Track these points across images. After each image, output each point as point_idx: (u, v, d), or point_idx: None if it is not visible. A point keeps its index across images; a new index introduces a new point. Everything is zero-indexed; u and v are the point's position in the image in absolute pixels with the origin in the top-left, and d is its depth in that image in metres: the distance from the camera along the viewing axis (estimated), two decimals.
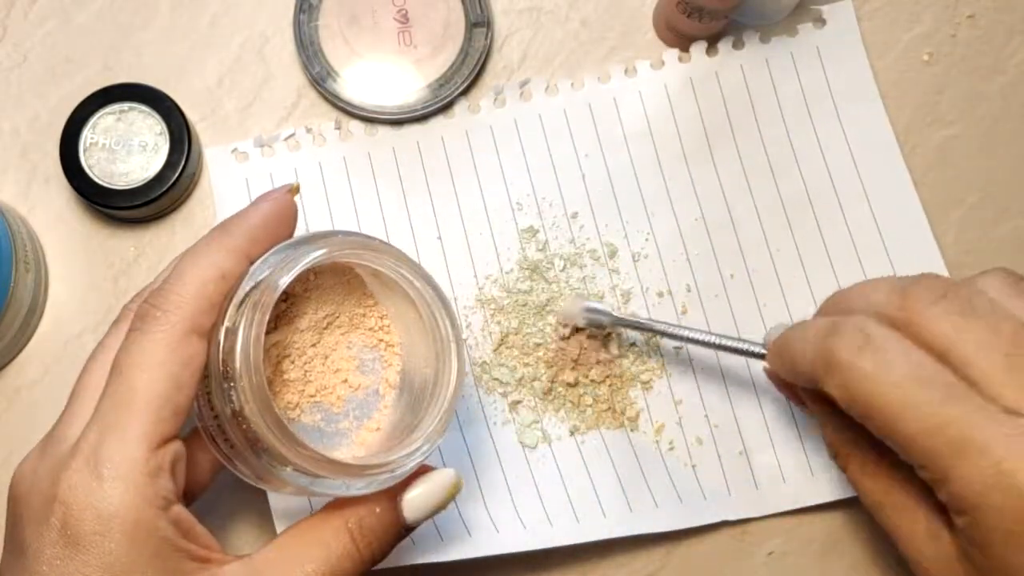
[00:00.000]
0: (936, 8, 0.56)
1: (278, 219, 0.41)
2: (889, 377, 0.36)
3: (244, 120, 0.54)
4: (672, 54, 0.55)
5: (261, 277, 0.38)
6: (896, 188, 0.53)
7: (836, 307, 0.42)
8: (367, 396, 0.44)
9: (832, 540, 0.51)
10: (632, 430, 0.51)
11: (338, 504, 0.40)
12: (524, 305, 0.51)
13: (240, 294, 0.38)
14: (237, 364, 0.37)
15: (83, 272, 0.52)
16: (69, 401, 0.39)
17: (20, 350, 0.51)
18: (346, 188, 0.52)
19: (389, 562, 0.47)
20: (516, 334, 0.51)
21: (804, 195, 0.53)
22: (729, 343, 0.47)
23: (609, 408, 0.51)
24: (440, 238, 0.52)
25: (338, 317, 0.44)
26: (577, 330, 0.51)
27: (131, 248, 0.52)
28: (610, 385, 0.51)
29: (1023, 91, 0.55)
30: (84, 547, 0.35)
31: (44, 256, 0.52)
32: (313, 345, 0.43)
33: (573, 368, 0.51)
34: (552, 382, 0.51)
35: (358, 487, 0.39)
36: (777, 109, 0.54)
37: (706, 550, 0.51)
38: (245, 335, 0.37)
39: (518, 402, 0.51)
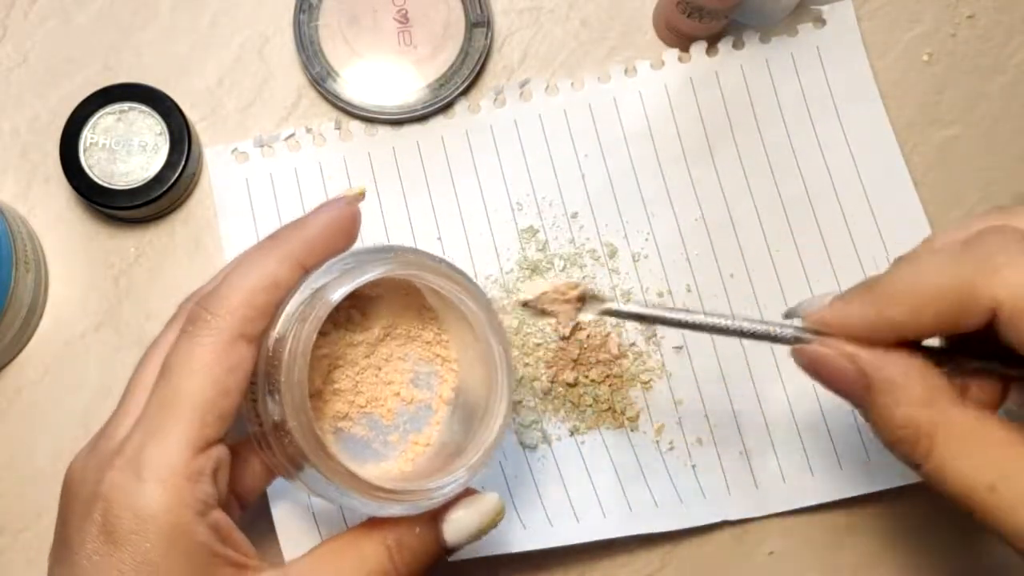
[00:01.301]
0: (936, 8, 0.56)
1: (338, 230, 0.40)
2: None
3: (244, 120, 0.54)
4: (672, 54, 0.55)
5: (316, 286, 0.38)
6: (896, 188, 0.53)
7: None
8: (419, 410, 0.43)
9: (832, 540, 0.51)
10: (632, 430, 0.51)
11: (378, 521, 0.39)
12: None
13: (293, 304, 0.38)
14: (282, 377, 0.37)
15: (83, 272, 0.52)
16: (123, 397, 0.39)
17: (20, 350, 0.51)
18: (345, 188, 0.52)
19: None
20: (516, 334, 0.51)
21: (804, 195, 0.53)
22: (758, 327, 0.39)
23: (609, 408, 0.51)
24: (440, 238, 0.52)
25: (395, 329, 0.43)
26: (573, 331, 0.51)
27: (131, 248, 0.52)
28: (610, 385, 0.51)
29: (1023, 91, 0.55)
30: (121, 545, 0.35)
31: (44, 256, 0.52)
32: (367, 356, 0.43)
33: (573, 368, 0.51)
34: (552, 382, 0.51)
35: (396, 509, 0.38)
36: (777, 109, 0.54)
37: (706, 550, 0.51)
38: (292, 347, 0.37)
39: (518, 402, 0.51)
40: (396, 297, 0.43)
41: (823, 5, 0.55)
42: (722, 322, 0.39)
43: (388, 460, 0.43)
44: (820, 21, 0.55)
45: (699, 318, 0.39)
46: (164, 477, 0.35)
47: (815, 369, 0.38)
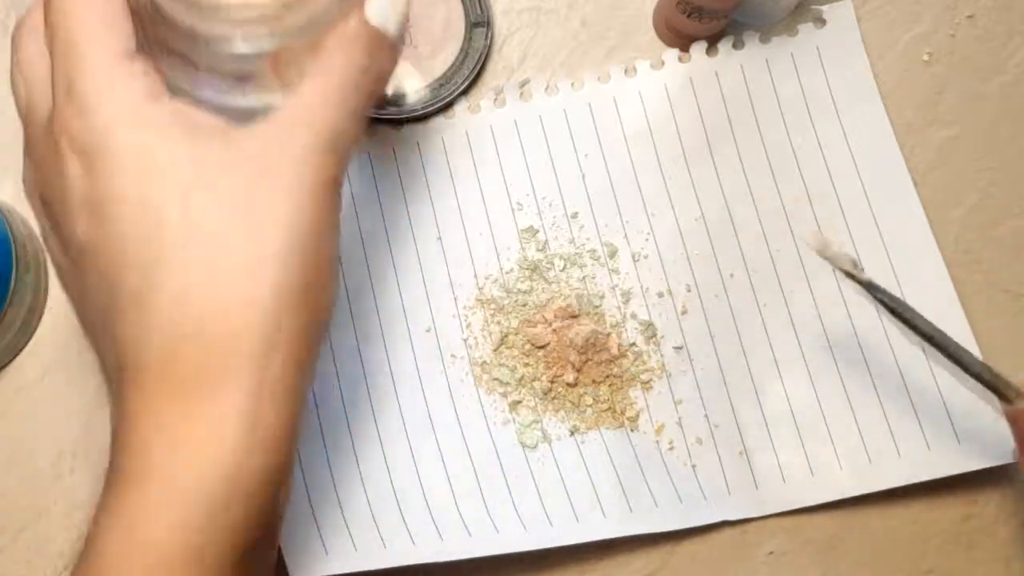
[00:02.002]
0: (936, 8, 0.56)
1: None
2: None
3: None
4: (672, 54, 0.55)
5: None
6: (896, 188, 0.53)
7: None
8: None
9: (832, 540, 0.51)
10: (632, 430, 0.51)
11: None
12: (524, 305, 0.51)
13: None
14: None
15: None
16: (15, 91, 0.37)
17: (20, 350, 0.51)
18: (346, 188, 0.52)
19: (390, 563, 0.47)
20: (516, 334, 0.51)
21: (804, 195, 0.53)
22: (984, 373, 0.44)
23: (609, 408, 0.51)
24: (440, 238, 0.52)
25: None
26: (573, 331, 0.51)
27: None
28: (610, 385, 0.51)
29: (1023, 91, 0.55)
30: (108, 200, 0.33)
31: (44, 256, 0.52)
32: None
33: (573, 368, 0.51)
34: (552, 382, 0.51)
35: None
36: (777, 109, 0.54)
37: (706, 550, 0.51)
38: None
39: (518, 402, 0.51)
40: None
41: (823, 5, 0.55)
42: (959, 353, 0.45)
43: None
44: (820, 21, 0.55)
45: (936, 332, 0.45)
46: (102, 94, 0.34)
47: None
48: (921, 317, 0.45)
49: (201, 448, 0.33)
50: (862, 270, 0.45)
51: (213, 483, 0.32)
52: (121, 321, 0.34)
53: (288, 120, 0.35)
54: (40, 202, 0.37)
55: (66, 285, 0.38)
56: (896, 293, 0.52)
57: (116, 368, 0.34)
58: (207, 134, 0.34)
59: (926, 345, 0.51)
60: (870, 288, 0.45)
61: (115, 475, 0.34)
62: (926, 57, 0.56)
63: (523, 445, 0.50)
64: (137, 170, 0.34)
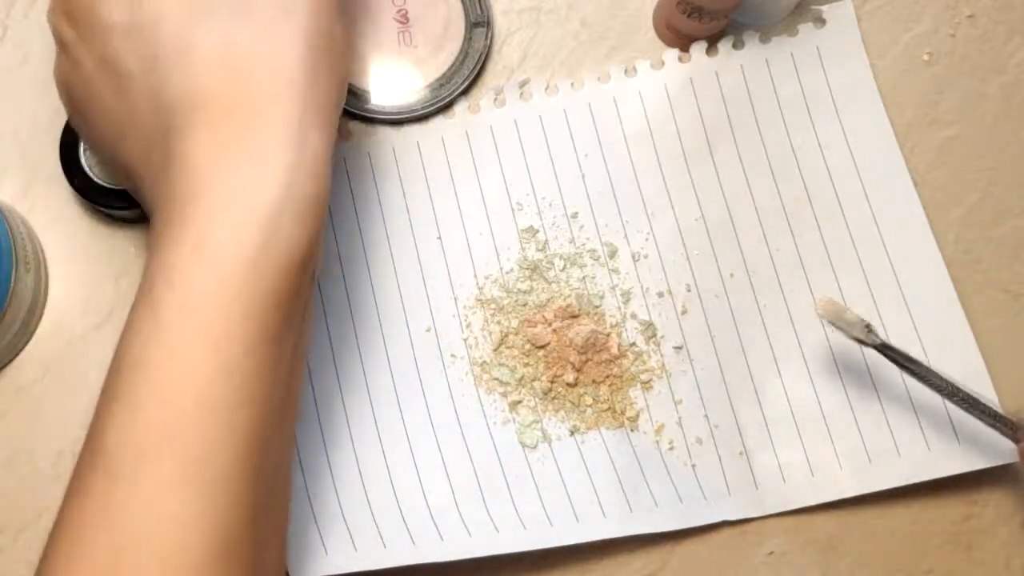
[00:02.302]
0: (936, 8, 0.56)
1: None
2: None
3: None
4: (672, 54, 0.55)
5: None
6: (896, 188, 0.53)
7: None
8: None
9: (832, 540, 0.51)
10: (632, 430, 0.51)
11: None
12: (524, 305, 0.51)
13: None
14: None
15: (83, 272, 0.52)
16: None
17: (20, 350, 0.51)
18: (346, 188, 0.52)
19: (390, 563, 0.47)
20: (516, 334, 0.51)
21: (804, 195, 0.53)
22: (985, 412, 0.48)
23: (609, 408, 0.51)
24: (440, 238, 0.52)
25: None
26: (572, 331, 0.51)
27: (131, 248, 0.52)
28: (610, 385, 0.51)
29: (1023, 91, 0.55)
30: None
31: (44, 256, 0.52)
32: None
33: (573, 368, 0.51)
34: (552, 382, 0.51)
35: None
36: (777, 109, 0.54)
37: (706, 550, 0.51)
38: None
39: (518, 402, 0.51)
40: None
41: (823, 5, 0.55)
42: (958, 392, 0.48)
43: None
44: (820, 21, 0.55)
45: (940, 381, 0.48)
46: None
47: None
48: (935, 373, 0.48)
49: (259, 165, 0.37)
50: (875, 334, 0.48)
51: (271, 198, 0.37)
52: (170, 74, 0.38)
53: None
54: (63, 16, 0.41)
55: (94, 85, 0.41)
56: (896, 293, 0.52)
57: (165, 122, 0.38)
58: None
59: (926, 346, 0.51)
60: (884, 350, 0.48)
61: (173, 203, 0.37)
62: (926, 57, 0.56)
63: (523, 445, 0.50)
64: None
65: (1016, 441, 0.48)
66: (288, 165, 0.37)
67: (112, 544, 0.34)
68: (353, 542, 0.48)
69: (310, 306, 0.41)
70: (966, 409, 0.48)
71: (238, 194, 0.37)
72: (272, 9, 0.39)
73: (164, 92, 0.38)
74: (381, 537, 0.48)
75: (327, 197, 0.39)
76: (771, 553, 0.51)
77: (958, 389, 0.48)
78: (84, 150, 0.50)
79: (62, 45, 0.42)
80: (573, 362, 0.51)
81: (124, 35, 0.39)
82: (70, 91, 0.42)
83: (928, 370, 0.48)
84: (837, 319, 0.48)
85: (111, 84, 0.40)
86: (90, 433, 0.37)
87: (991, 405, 0.48)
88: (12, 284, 0.47)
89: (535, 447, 0.50)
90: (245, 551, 0.36)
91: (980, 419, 0.48)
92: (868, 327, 0.48)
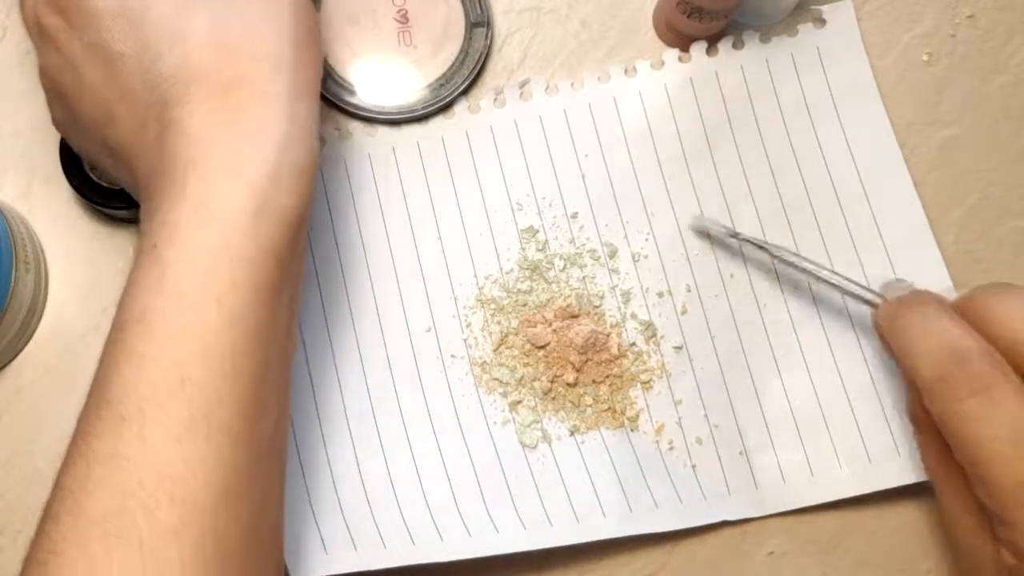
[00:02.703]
0: (936, 8, 0.56)
1: None
2: (991, 430, 0.40)
3: None
4: (672, 54, 0.55)
5: None
6: (896, 188, 0.53)
7: (976, 315, 0.43)
8: None
9: (832, 540, 0.51)
10: (632, 430, 0.51)
11: None
12: (524, 305, 0.51)
13: None
14: None
15: (83, 272, 0.52)
16: None
17: (20, 350, 0.51)
18: (346, 188, 0.52)
19: (390, 563, 0.47)
20: (516, 334, 0.51)
21: (804, 195, 0.53)
22: (841, 282, 0.49)
23: (609, 408, 0.51)
24: (440, 238, 0.52)
25: None
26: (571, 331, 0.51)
27: (131, 248, 0.52)
28: (610, 385, 0.51)
29: (1023, 91, 0.55)
30: None
31: (44, 256, 0.52)
32: None
33: (573, 368, 0.51)
34: (552, 382, 0.51)
35: None
36: (777, 109, 0.54)
37: (706, 550, 0.51)
38: None
39: (518, 402, 0.51)
40: None
41: (823, 5, 0.55)
42: (814, 270, 0.49)
43: None
44: (820, 21, 0.55)
45: (798, 261, 0.50)
46: None
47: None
48: (790, 252, 0.50)
49: (256, 136, 0.39)
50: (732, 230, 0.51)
51: (268, 167, 0.39)
52: (164, 55, 0.40)
53: None
54: (47, 5, 0.43)
55: (83, 70, 0.42)
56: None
57: (159, 97, 0.40)
58: None
59: None
60: (736, 237, 0.51)
61: (174, 168, 0.39)
62: (926, 57, 0.56)
63: (523, 445, 0.50)
64: None
65: (874, 306, 0.48)
66: (281, 136, 0.40)
67: (121, 484, 0.35)
68: (353, 542, 0.48)
69: (303, 259, 0.44)
70: (833, 285, 0.49)
71: (237, 162, 0.39)
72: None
73: (157, 69, 0.40)
74: (381, 537, 0.48)
75: (316, 163, 0.41)
76: (771, 553, 0.51)
77: (819, 267, 0.49)
78: None
79: (45, 35, 0.43)
80: (573, 362, 0.51)
81: (113, 20, 0.41)
82: (56, 80, 0.44)
83: (783, 250, 0.50)
84: (696, 223, 0.52)
85: (100, 68, 0.41)
86: (94, 388, 0.38)
87: (852, 279, 0.49)
88: (12, 284, 0.48)
89: (535, 447, 0.50)
90: (250, 494, 0.38)
91: (847, 293, 0.49)
92: (725, 227, 0.51)
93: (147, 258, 0.38)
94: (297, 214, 0.40)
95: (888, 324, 0.46)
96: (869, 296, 0.48)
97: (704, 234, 0.52)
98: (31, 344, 0.51)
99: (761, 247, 0.51)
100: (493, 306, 0.51)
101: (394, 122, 0.53)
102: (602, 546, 0.50)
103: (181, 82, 0.40)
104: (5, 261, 0.47)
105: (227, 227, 0.38)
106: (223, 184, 0.38)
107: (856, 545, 0.51)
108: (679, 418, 0.51)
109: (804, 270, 0.50)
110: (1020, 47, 0.56)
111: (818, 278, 0.49)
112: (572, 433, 0.50)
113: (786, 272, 0.52)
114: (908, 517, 0.52)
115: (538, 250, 0.52)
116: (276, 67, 0.41)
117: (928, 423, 0.44)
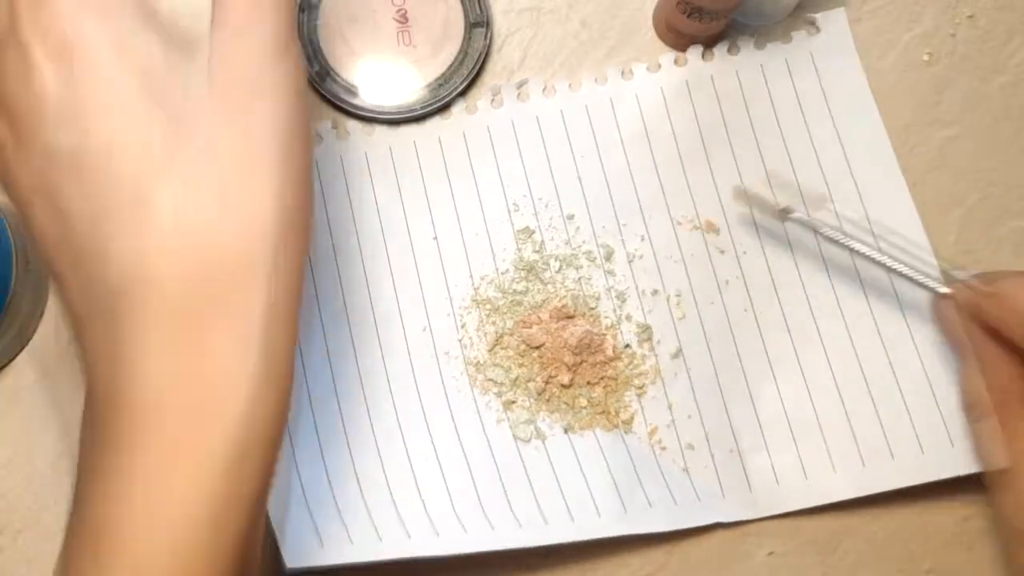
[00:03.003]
0: (936, 8, 0.56)
1: None
2: None
3: None
4: (668, 58, 0.54)
5: None
6: (891, 192, 0.53)
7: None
8: None
9: (832, 540, 0.51)
10: (626, 432, 0.51)
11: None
12: (520, 305, 0.51)
13: None
14: None
15: None
16: None
17: (20, 350, 0.51)
18: (342, 187, 0.52)
19: (385, 555, 0.47)
20: (511, 335, 0.51)
21: (799, 199, 0.53)
22: (907, 270, 0.49)
23: (603, 411, 0.51)
24: (436, 238, 0.52)
25: None
26: (569, 332, 0.51)
27: None
28: (605, 387, 0.51)
29: (1023, 91, 0.55)
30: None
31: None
32: None
33: (568, 370, 0.51)
34: (547, 383, 0.51)
35: None
36: (772, 114, 0.54)
37: (706, 550, 0.51)
38: None
39: (512, 402, 0.51)
40: None
41: (817, 12, 0.55)
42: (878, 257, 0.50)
43: None
44: (814, 28, 0.55)
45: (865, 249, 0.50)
46: None
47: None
48: (831, 227, 0.51)
49: (219, 382, 0.32)
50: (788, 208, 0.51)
51: (232, 433, 0.32)
52: (119, 233, 0.33)
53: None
54: None
55: (31, 211, 0.35)
56: (891, 294, 0.52)
57: (110, 293, 0.33)
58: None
59: (918, 344, 0.51)
60: (790, 218, 0.51)
61: (119, 422, 0.33)
62: (926, 57, 0.56)
63: (517, 439, 0.50)
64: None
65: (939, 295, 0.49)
66: (251, 378, 0.33)
67: None
68: (348, 534, 0.48)
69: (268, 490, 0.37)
70: (896, 268, 0.50)
71: (195, 427, 0.32)
72: (240, 174, 0.34)
73: (110, 257, 0.33)
74: (376, 529, 0.48)
75: (290, 407, 0.35)
76: (771, 553, 0.51)
77: (876, 250, 0.50)
78: None
79: None
80: (568, 363, 0.51)
81: (68, 167, 0.33)
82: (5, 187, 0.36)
83: (846, 234, 0.50)
84: (743, 197, 0.52)
85: (50, 217, 0.34)
86: None
87: (920, 255, 0.50)
88: (12, 284, 0.48)
89: (528, 441, 0.50)
90: None
91: (908, 276, 0.49)
92: (784, 209, 0.51)
93: (84, 550, 0.33)
94: (263, 496, 0.34)
95: (983, 303, 0.46)
96: (932, 284, 0.49)
97: (747, 207, 0.53)
98: (31, 345, 0.52)
99: (813, 228, 0.51)
100: (488, 306, 0.52)
101: (393, 122, 0.53)
102: (602, 546, 0.50)
103: (135, 295, 0.33)
104: (5, 261, 0.47)
105: (180, 532, 0.32)
106: (176, 470, 0.32)
107: (856, 545, 0.51)
108: (672, 421, 0.51)
109: (861, 253, 0.50)
110: (1020, 47, 0.56)
111: (875, 261, 0.50)
112: (566, 431, 0.50)
113: (785, 272, 0.52)
114: (908, 517, 0.52)
115: (534, 251, 0.52)
116: (251, 270, 0.33)
117: (1002, 402, 0.44)
